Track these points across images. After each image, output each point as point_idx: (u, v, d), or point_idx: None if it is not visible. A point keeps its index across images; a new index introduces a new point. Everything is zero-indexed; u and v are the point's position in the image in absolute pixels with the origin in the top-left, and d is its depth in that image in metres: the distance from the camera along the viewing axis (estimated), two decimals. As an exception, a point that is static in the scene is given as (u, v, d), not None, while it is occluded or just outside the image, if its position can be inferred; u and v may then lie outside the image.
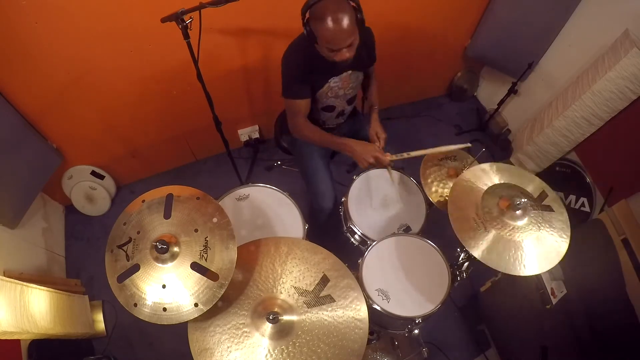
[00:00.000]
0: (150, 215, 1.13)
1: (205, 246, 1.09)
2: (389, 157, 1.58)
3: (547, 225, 1.32)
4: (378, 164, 1.59)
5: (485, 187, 1.41)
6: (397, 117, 3.02)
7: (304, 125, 1.68)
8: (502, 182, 1.42)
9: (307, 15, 1.40)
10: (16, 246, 1.96)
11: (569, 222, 1.34)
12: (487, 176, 1.44)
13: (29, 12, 1.56)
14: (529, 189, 1.41)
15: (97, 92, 1.97)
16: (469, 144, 1.64)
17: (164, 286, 1.05)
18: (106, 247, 1.12)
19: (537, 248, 1.29)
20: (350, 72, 1.64)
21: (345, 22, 1.36)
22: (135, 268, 1.07)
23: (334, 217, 1.82)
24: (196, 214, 1.13)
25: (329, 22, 1.35)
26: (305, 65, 1.56)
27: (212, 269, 1.07)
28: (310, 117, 1.77)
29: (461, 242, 1.29)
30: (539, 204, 1.36)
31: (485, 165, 1.47)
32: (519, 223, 1.31)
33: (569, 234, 1.32)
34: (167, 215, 1.13)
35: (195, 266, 1.07)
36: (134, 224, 1.13)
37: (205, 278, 1.06)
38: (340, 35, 1.38)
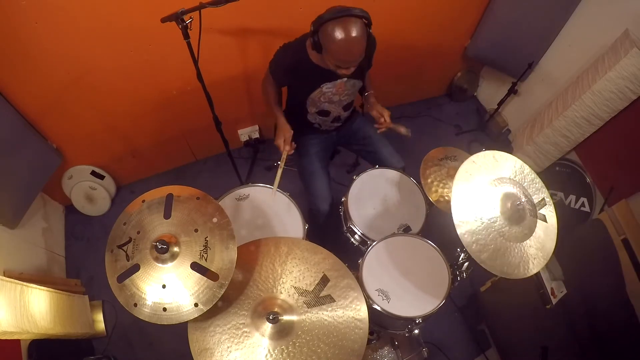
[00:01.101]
0: (150, 215, 1.13)
1: (205, 246, 1.09)
2: (289, 150, 1.64)
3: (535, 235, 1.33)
4: (282, 146, 1.65)
5: (492, 178, 1.39)
6: (397, 117, 3.02)
7: (269, 88, 1.75)
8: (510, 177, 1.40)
9: (320, 29, 1.39)
10: (16, 246, 1.96)
11: (555, 236, 1.35)
12: (496, 165, 1.42)
13: (29, 12, 1.56)
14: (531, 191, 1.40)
15: (97, 92, 1.97)
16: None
17: (164, 286, 1.05)
18: (106, 247, 1.12)
19: (529, 249, 1.29)
20: (345, 79, 1.64)
21: (360, 46, 1.39)
22: (135, 268, 1.07)
23: (334, 217, 1.82)
24: (196, 214, 1.13)
25: (345, 45, 1.37)
26: (294, 66, 1.60)
27: (212, 269, 1.07)
28: (305, 121, 1.81)
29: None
30: (535, 211, 1.36)
31: (497, 154, 1.45)
32: (518, 224, 1.31)
33: (552, 246, 1.32)
34: (167, 215, 1.13)
35: (195, 266, 1.07)
36: (134, 224, 1.13)
37: (205, 278, 1.06)
38: (352, 58, 1.43)
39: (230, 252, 1.10)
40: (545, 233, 1.34)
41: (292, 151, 1.67)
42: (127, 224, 1.13)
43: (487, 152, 1.43)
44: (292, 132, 1.67)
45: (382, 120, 1.72)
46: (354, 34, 1.35)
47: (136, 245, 1.09)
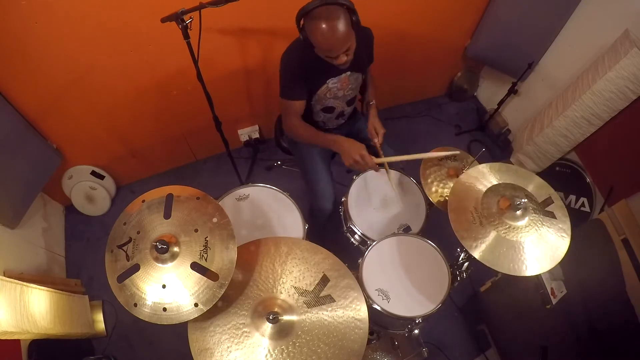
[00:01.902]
0: (150, 215, 1.13)
1: (205, 246, 1.09)
2: (374, 160, 1.55)
3: (547, 229, 1.32)
4: (363, 164, 1.54)
5: (489, 185, 1.40)
6: (397, 117, 3.03)
7: (298, 125, 1.68)
8: (507, 181, 1.41)
9: (302, 22, 1.40)
10: (16, 246, 1.96)
11: (569, 230, 1.33)
12: (492, 175, 1.44)
13: (29, 12, 1.56)
14: (534, 191, 1.40)
15: (97, 92, 1.97)
16: (457, 152, 1.66)
17: (164, 286, 1.05)
18: (106, 247, 1.12)
19: (535, 249, 1.28)
20: (349, 73, 1.64)
21: (340, 29, 1.36)
22: (135, 268, 1.07)
23: (334, 217, 1.82)
24: (196, 214, 1.13)
25: (324, 31, 1.35)
26: (303, 65, 1.57)
27: (212, 269, 1.07)
28: (310, 119, 1.79)
29: (455, 234, 1.29)
30: (541, 208, 1.35)
31: (494, 165, 1.47)
32: (518, 223, 1.31)
33: (568, 239, 1.31)
34: (167, 215, 1.13)
35: (195, 266, 1.07)
36: (134, 224, 1.13)
37: (205, 278, 1.06)
38: (335, 44, 1.39)
39: (230, 252, 1.10)
40: (557, 229, 1.33)
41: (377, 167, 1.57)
42: (127, 224, 1.13)
43: (487, 164, 1.44)
44: (362, 145, 1.56)
45: (375, 141, 1.72)
46: (333, 20, 1.33)
47: (136, 245, 1.09)
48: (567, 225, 1.33)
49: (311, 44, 1.44)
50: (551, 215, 1.35)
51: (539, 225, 1.31)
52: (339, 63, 1.47)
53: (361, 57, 1.56)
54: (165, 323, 1.04)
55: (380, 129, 1.73)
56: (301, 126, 1.68)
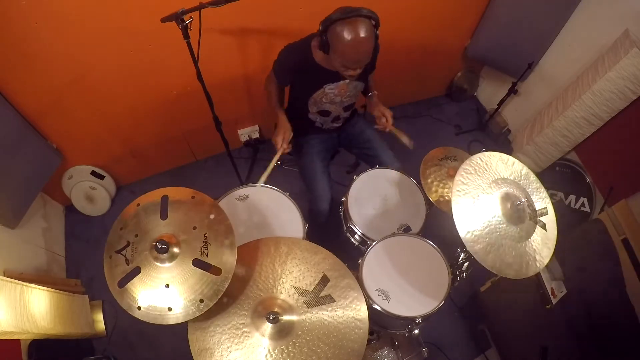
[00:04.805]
0: (147, 217, 1.13)
1: (205, 242, 1.09)
2: (285, 149, 1.67)
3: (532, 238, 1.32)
4: (278, 145, 1.66)
5: (495, 176, 1.38)
6: (398, 117, 3.01)
7: (272, 89, 1.77)
8: (514, 179, 1.39)
9: (329, 28, 1.39)
10: (16, 246, 1.96)
11: (553, 246, 1.34)
12: (502, 167, 1.41)
13: (29, 12, 1.56)
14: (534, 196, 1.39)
15: (97, 92, 1.97)
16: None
17: (167, 286, 1.05)
18: (104, 253, 1.11)
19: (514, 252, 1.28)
20: (348, 81, 1.64)
21: (368, 47, 1.39)
22: (136, 271, 1.07)
23: (334, 217, 1.82)
24: (193, 212, 1.13)
25: (353, 45, 1.37)
26: (300, 68, 1.60)
27: (214, 264, 1.07)
28: (306, 118, 1.81)
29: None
30: (536, 216, 1.35)
31: (506, 157, 1.44)
32: (513, 226, 1.30)
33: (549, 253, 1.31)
34: (163, 217, 1.13)
35: (197, 262, 1.07)
36: (131, 227, 1.12)
37: (208, 273, 1.06)
38: (359, 58, 1.43)
39: (230, 245, 1.09)
40: (543, 241, 1.33)
41: (287, 151, 1.68)
42: (124, 229, 1.13)
43: (494, 153, 1.42)
44: (292, 132, 1.68)
45: (384, 120, 1.72)
46: (362, 34, 1.35)
47: (135, 248, 1.09)
48: (551, 247, 1.33)
49: (326, 50, 1.44)
50: (543, 225, 1.34)
51: (531, 230, 1.31)
52: (350, 75, 1.49)
53: (365, 67, 1.56)
54: (172, 322, 1.04)
55: (386, 111, 1.76)
56: (272, 91, 1.77)
